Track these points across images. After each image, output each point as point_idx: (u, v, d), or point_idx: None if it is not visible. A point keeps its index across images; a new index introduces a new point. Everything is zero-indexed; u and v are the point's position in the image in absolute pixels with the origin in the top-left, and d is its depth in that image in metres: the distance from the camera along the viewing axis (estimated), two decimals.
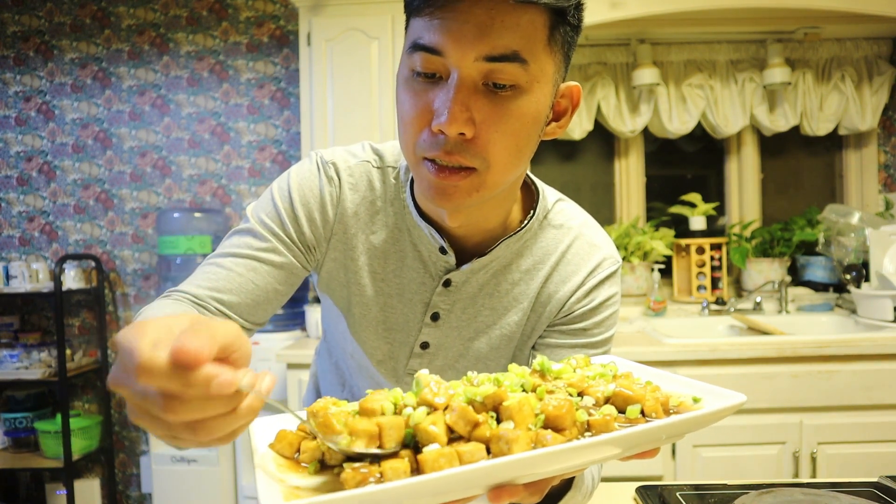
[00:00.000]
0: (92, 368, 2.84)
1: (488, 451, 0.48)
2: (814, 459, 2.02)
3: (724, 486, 0.95)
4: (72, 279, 2.75)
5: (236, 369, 0.44)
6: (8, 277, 2.69)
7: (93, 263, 2.87)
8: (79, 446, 2.69)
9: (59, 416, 2.63)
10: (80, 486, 2.80)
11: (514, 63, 0.65)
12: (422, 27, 0.67)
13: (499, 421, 0.50)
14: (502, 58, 0.64)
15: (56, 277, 2.61)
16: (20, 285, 2.68)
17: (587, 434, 0.51)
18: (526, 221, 0.84)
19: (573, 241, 0.86)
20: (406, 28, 0.71)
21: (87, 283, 2.83)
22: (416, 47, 0.67)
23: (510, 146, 0.68)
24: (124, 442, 2.95)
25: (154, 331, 0.43)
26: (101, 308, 2.86)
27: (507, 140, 0.68)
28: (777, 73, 2.61)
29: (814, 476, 2.01)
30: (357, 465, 0.47)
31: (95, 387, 2.94)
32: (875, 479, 0.96)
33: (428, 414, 0.49)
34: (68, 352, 2.74)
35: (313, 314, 2.43)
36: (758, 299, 2.62)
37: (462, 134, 0.66)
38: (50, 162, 2.93)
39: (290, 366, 2.15)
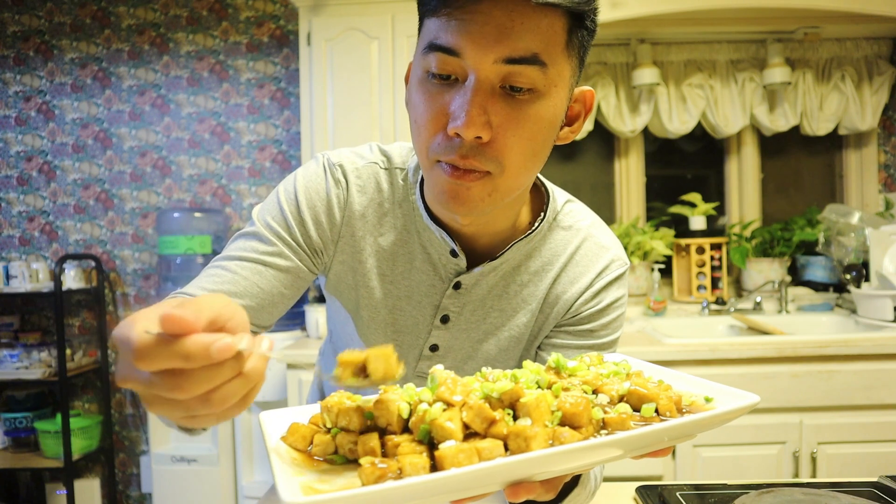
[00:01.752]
0: (92, 368, 2.84)
1: (505, 447, 0.48)
2: (814, 459, 2.02)
3: (724, 486, 0.95)
4: (72, 279, 2.75)
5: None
6: (8, 277, 2.69)
7: (93, 263, 2.87)
8: (79, 446, 2.69)
9: (59, 416, 2.63)
10: (80, 485, 2.80)
11: (533, 66, 0.64)
12: (438, 27, 0.65)
13: (515, 418, 0.50)
14: (522, 60, 0.63)
15: (56, 277, 2.61)
16: (20, 285, 2.68)
17: (603, 432, 0.51)
18: (536, 224, 0.83)
19: (582, 243, 0.86)
20: (420, 28, 0.70)
21: (87, 283, 2.83)
22: (432, 48, 0.66)
23: (526, 151, 0.67)
24: (124, 442, 2.95)
25: (144, 318, 0.43)
26: (101, 308, 2.86)
27: (524, 144, 0.67)
28: (777, 73, 2.61)
29: (814, 476, 2.00)
30: (375, 459, 0.47)
31: (95, 387, 2.94)
32: (875, 479, 0.96)
33: (444, 410, 0.49)
34: (68, 352, 2.74)
35: (313, 314, 2.43)
36: (758, 299, 2.62)
37: (479, 138, 0.65)
38: (50, 162, 2.93)
39: (290, 366, 2.15)
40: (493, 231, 0.81)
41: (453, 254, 0.81)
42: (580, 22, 0.67)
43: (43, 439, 2.69)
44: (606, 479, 0.98)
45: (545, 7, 0.63)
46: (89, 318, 2.93)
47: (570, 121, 0.75)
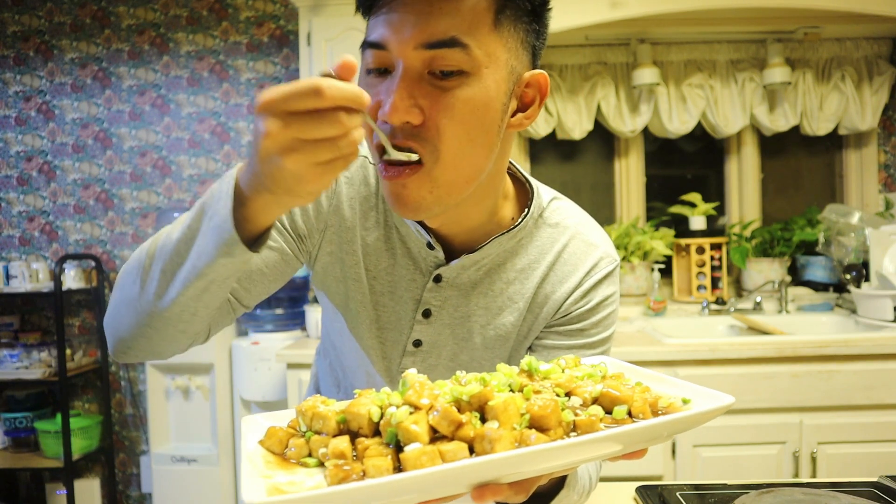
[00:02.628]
0: (92, 368, 2.84)
1: (472, 450, 0.48)
2: (814, 459, 2.02)
3: (724, 486, 0.95)
4: (72, 279, 2.75)
5: None
6: (8, 277, 2.69)
7: (93, 263, 2.87)
8: (79, 446, 2.69)
9: (59, 416, 2.63)
10: (80, 486, 2.80)
11: (453, 48, 0.65)
12: (371, 26, 0.69)
13: (484, 421, 0.50)
14: (440, 44, 0.64)
15: (56, 277, 2.61)
16: (20, 285, 2.68)
17: (573, 434, 0.51)
18: (520, 219, 0.83)
19: (570, 240, 0.85)
20: None
21: (87, 283, 2.83)
22: (364, 46, 0.69)
23: (460, 135, 0.67)
24: (124, 442, 2.95)
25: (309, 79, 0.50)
26: (101, 308, 2.86)
27: (456, 128, 0.67)
28: (777, 73, 2.61)
29: (814, 476, 2.00)
30: (340, 462, 0.47)
31: (95, 387, 2.94)
32: (875, 479, 0.96)
33: (411, 413, 0.50)
34: (68, 352, 2.74)
35: (313, 314, 2.43)
36: (758, 299, 2.62)
37: (409, 123, 0.66)
38: (50, 162, 2.93)
39: (290, 366, 2.15)
40: (468, 227, 0.80)
41: (430, 246, 0.81)
42: (509, 1, 0.68)
43: (43, 439, 2.69)
44: (606, 479, 0.98)
45: None
46: (89, 318, 2.93)
47: (523, 106, 0.75)
